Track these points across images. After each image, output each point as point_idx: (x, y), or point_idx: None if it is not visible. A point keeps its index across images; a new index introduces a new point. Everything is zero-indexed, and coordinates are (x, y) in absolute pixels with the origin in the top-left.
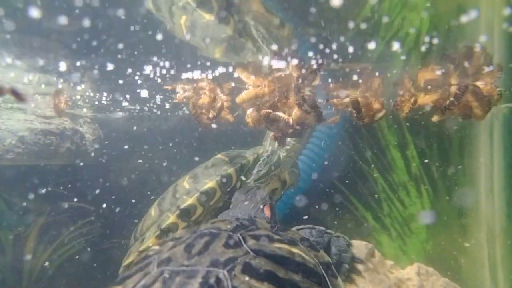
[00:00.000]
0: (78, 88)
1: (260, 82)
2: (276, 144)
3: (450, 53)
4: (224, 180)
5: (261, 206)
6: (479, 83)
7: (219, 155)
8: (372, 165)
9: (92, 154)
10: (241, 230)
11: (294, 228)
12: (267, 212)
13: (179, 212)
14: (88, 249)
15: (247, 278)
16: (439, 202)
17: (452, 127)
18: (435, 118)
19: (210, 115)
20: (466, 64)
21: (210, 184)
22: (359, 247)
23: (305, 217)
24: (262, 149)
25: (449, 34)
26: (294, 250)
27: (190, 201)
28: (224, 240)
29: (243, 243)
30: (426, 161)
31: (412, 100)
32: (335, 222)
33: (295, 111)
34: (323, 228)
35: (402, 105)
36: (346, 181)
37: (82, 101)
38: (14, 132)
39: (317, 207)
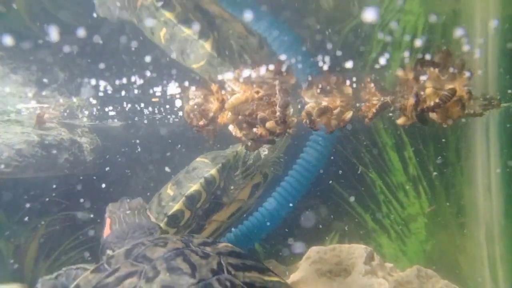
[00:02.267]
0: (75, 99)
1: (247, 88)
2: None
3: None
4: (208, 182)
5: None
6: (452, 86)
7: (198, 158)
8: (370, 167)
9: (91, 163)
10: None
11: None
12: None
13: (167, 219)
14: (89, 258)
15: None
16: (437, 202)
17: (448, 127)
18: (401, 121)
19: (201, 122)
20: (443, 67)
21: (194, 187)
22: (358, 250)
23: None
24: (241, 145)
25: (444, 36)
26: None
27: (176, 206)
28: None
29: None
30: (423, 161)
31: (377, 105)
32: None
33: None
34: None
35: (367, 110)
36: (344, 183)
37: (79, 111)
38: (11, 146)
39: (315, 210)
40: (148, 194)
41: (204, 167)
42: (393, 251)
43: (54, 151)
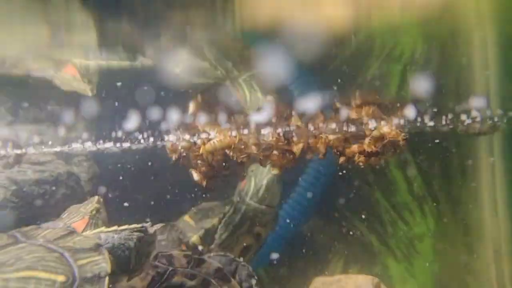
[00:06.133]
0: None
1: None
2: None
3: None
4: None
5: None
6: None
7: (185, 217)
8: (374, 187)
9: (88, 194)
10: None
11: (208, 255)
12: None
13: None
14: None
15: None
16: (443, 221)
17: (453, 145)
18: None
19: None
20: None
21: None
22: (365, 281)
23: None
24: (229, 206)
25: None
26: None
27: None
28: None
29: None
30: (428, 180)
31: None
32: (336, 245)
33: None
34: (232, 256)
35: (316, 145)
36: (348, 205)
37: (76, 140)
38: (7, 187)
39: (319, 233)
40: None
41: (188, 231)
42: (400, 272)
43: (51, 187)
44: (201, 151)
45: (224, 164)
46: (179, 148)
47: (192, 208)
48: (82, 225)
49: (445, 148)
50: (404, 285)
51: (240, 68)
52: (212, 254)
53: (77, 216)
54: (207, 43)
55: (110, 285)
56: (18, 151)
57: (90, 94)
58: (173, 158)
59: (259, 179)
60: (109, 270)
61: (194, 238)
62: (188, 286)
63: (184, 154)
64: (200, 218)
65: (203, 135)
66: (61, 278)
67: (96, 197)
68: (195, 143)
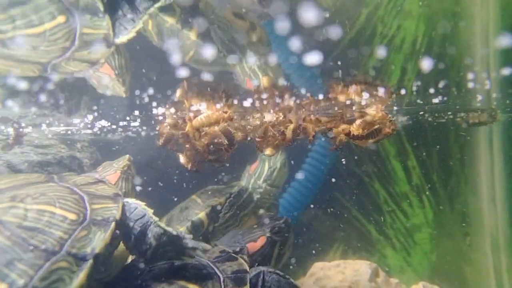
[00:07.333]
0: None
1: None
2: (249, 180)
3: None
4: (195, 225)
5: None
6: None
7: (194, 195)
8: (373, 177)
9: None
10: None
11: (269, 269)
12: (258, 244)
13: None
14: None
15: None
16: (441, 211)
17: (452, 136)
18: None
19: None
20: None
21: (180, 230)
22: (363, 266)
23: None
24: (236, 187)
25: (444, 41)
26: (190, 286)
27: None
28: None
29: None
30: (427, 170)
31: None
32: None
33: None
34: (292, 281)
35: (307, 127)
36: (348, 194)
37: (79, 125)
38: (11, 167)
39: (318, 221)
40: None
41: (195, 209)
42: (398, 262)
43: (54, 170)
44: (187, 128)
45: (209, 148)
46: (167, 127)
47: (199, 190)
48: (115, 178)
49: (444, 138)
50: (402, 274)
51: (248, 54)
52: (272, 270)
53: (111, 170)
54: (215, 29)
55: (117, 231)
56: (18, 131)
57: (124, 95)
58: (160, 142)
59: (273, 162)
60: (117, 216)
61: (201, 214)
62: (190, 265)
63: (171, 132)
64: (208, 197)
65: (191, 113)
66: (72, 216)
67: (127, 156)
68: (184, 120)
